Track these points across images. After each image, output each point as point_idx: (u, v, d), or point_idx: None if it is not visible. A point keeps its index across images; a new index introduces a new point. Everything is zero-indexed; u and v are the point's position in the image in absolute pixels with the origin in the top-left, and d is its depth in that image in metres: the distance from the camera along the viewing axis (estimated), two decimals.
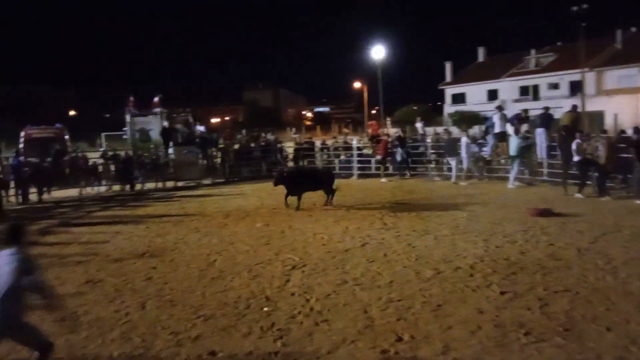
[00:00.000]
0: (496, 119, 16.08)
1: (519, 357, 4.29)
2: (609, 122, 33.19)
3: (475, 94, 54.70)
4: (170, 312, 5.63)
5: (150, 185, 18.34)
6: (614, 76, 43.66)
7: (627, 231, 8.63)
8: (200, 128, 22.16)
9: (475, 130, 28.75)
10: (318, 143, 22.77)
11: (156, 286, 6.61)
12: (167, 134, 19.88)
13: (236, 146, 21.22)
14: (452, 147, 16.18)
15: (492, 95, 53.37)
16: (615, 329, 4.75)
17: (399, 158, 17.56)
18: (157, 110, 20.87)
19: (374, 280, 6.51)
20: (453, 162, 16.12)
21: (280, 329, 5.06)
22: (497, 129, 15.98)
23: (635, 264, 6.71)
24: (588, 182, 12.65)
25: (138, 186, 17.95)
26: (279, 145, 20.45)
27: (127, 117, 20.92)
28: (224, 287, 6.45)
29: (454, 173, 16.15)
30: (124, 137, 22.49)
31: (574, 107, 15.49)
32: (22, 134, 19.03)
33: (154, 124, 20.58)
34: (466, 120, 45.61)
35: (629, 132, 16.06)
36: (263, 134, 22.19)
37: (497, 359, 4.26)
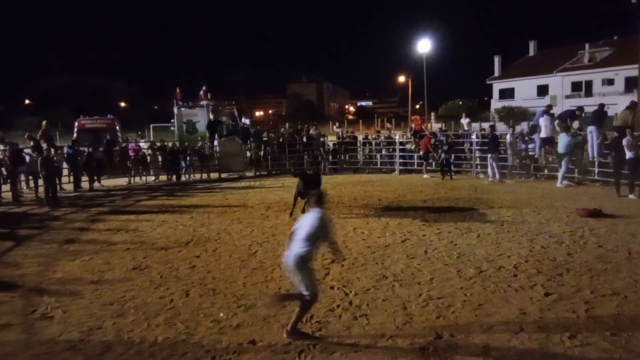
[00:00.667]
0: (543, 121, 15.29)
1: None
2: None
3: (524, 89, 53.06)
4: (213, 301, 5.79)
5: (195, 176, 18.83)
6: None
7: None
8: (245, 121, 22.55)
9: (523, 126, 27.87)
10: (360, 137, 22.68)
11: (199, 274, 6.79)
12: (212, 126, 20.31)
13: (279, 139, 21.43)
14: (493, 143, 15.74)
15: (542, 90, 51.66)
16: None
17: (442, 163, 16.98)
18: (204, 102, 21.35)
19: (413, 276, 6.47)
20: (491, 160, 15.75)
21: (319, 321, 5.11)
22: (543, 134, 15.28)
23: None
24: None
25: (184, 177, 18.47)
26: (321, 139, 20.50)
27: (175, 109, 21.51)
28: (264, 278, 6.57)
29: (490, 171, 15.81)
30: (172, 128, 23.15)
31: (633, 103, 14.68)
32: (76, 124, 19.89)
33: (200, 116, 21.09)
34: (514, 116, 44.37)
35: None
36: (306, 128, 22.28)
37: None
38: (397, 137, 20.36)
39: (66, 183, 16.24)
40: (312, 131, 21.79)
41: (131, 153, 17.94)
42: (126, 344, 4.73)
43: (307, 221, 4.77)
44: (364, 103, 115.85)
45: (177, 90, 22.01)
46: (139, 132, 25.51)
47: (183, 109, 21.62)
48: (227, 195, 14.51)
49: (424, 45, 37.15)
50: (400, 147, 19.61)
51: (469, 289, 5.95)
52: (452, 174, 16.88)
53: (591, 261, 6.89)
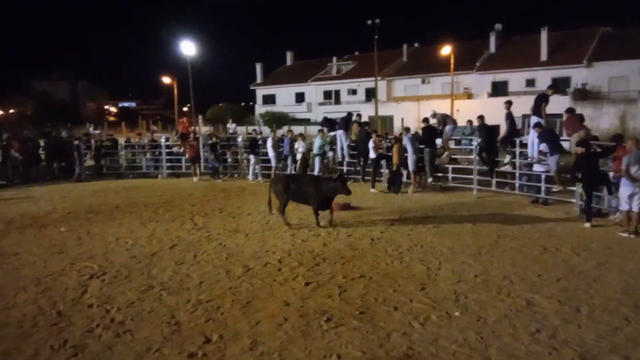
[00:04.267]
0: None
1: (321, 343, 4.57)
2: (397, 125, 37.61)
3: (284, 96, 56.97)
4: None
5: None
6: (401, 85, 49.65)
7: (411, 222, 9.87)
8: None
9: (283, 130, 29.89)
10: (122, 140, 21.23)
11: None
12: None
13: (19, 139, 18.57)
14: (252, 146, 16.81)
15: (300, 97, 56.23)
16: (401, 308, 5.37)
17: (209, 165, 17.24)
18: None
19: (182, 282, 6.31)
20: (252, 161, 16.86)
21: (74, 346, 4.57)
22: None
23: (417, 250, 7.70)
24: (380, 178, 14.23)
25: None
26: (75, 142, 18.45)
27: None
28: (4, 306, 5.58)
29: (251, 171, 16.93)
30: None
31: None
32: None
33: None
34: (276, 120, 47.25)
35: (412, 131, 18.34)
36: (56, 131, 19.84)
37: (302, 348, 4.47)
38: (162, 140, 19.66)
39: None
40: (64, 134, 19.48)
41: None
42: None
43: None
44: (126, 104, 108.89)
45: None
46: None
47: None
48: None
49: (188, 48, 36.72)
50: (167, 150, 19.00)
51: (237, 288, 6.06)
52: (221, 178, 17.19)
53: (343, 249, 7.74)
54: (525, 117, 13.94)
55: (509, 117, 13.04)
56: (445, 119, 14.62)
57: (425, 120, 14.15)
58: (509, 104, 13.13)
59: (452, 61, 37.59)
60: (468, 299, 5.61)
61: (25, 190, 15.31)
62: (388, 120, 41.85)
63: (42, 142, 19.41)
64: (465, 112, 29.04)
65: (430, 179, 13.29)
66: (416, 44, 54.24)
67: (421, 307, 5.39)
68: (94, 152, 19.35)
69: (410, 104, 43.21)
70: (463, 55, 41.64)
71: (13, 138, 17.69)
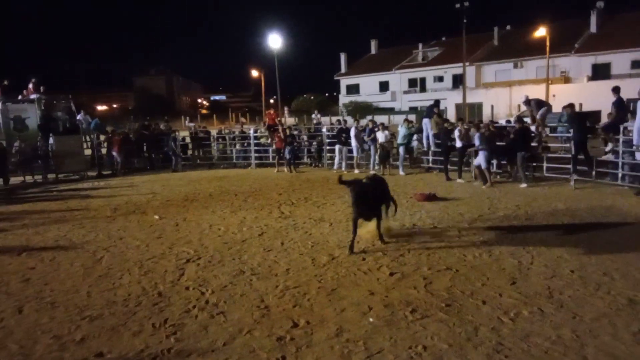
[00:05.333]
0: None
1: (406, 333, 4.55)
2: (486, 112, 36.10)
3: (368, 85, 56.69)
4: (52, 315, 5.23)
5: (28, 178, 16.85)
6: (491, 70, 47.54)
7: (501, 212, 9.49)
8: (79, 116, 20.70)
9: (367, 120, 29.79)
10: (214, 132, 22.27)
11: (35, 288, 6.09)
12: (46, 122, 18.33)
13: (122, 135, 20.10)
14: (336, 136, 16.89)
15: (384, 86, 55.67)
16: (489, 302, 5.22)
17: (287, 155, 17.27)
18: (34, 96, 19.11)
19: (270, 269, 6.55)
20: (337, 151, 16.97)
21: (173, 325, 4.91)
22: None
23: (507, 242, 7.40)
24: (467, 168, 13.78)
25: (18, 179, 16.44)
26: (172, 135, 19.67)
27: None
28: (112, 285, 6.12)
29: (336, 161, 17.09)
30: None
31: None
32: None
33: (31, 112, 18.83)
34: (360, 109, 47.18)
35: (502, 122, 17.60)
36: (155, 124, 21.26)
37: (387, 337, 4.49)
38: (251, 131, 20.38)
39: None
40: (162, 126, 20.82)
41: None
42: None
43: None
44: (217, 97, 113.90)
45: (5, 82, 19.36)
46: None
47: (9, 104, 19.10)
48: (66, 198, 13.23)
49: (275, 41, 37.66)
50: (255, 141, 19.69)
51: (322, 275, 6.19)
52: (296, 167, 17.41)
53: (428, 241, 7.62)
54: (631, 101, 12.81)
55: (619, 103, 12.04)
56: (539, 105, 13.85)
57: (520, 120, 12.72)
58: (616, 90, 12.10)
59: (547, 43, 35.41)
60: (563, 295, 5.32)
61: (128, 180, 16.58)
62: (477, 108, 40.29)
63: (142, 135, 20.81)
64: (562, 97, 27.27)
65: (524, 185, 12.19)
66: (508, 27, 51.63)
67: (511, 302, 5.20)
68: (190, 143, 20.56)
69: (500, 89, 41.31)
70: (560, 36, 39.04)
71: (115, 135, 19.20)
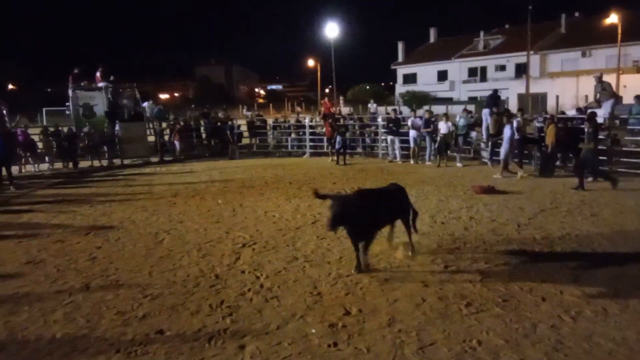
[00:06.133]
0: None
1: (460, 327, 4.47)
2: (551, 103, 34.57)
3: (426, 74, 55.56)
4: (116, 292, 5.51)
5: (95, 163, 17.76)
6: (557, 59, 45.38)
7: (564, 207, 9.09)
8: (145, 104, 21.53)
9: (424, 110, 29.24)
10: (270, 121, 22.57)
11: (101, 266, 6.44)
12: (112, 109, 19.20)
13: (183, 123, 20.78)
14: (395, 126, 16.67)
15: (442, 75, 54.40)
16: (549, 299, 5.03)
17: (337, 145, 16.72)
18: (102, 84, 20.04)
19: (324, 256, 6.59)
20: (392, 141, 16.86)
21: (229, 306, 5.06)
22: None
23: (570, 239, 7.09)
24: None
25: (86, 163, 17.36)
26: (230, 123, 20.13)
27: (70, 92, 19.99)
28: (172, 266, 6.36)
29: (391, 151, 17.00)
30: (67, 112, 21.53)
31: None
32: None
33: (99, 99, 19.79)
34: (417, 99, 46.38)
35: (569, 113, 16.82)
36: (214, 112, 21.84)
37: (440, 329, 4.43)
38: (306, 120, 20.51)
39: None
40: (220, 114, 21.32)
41: (20, 139, 16.49)
42: (20, 343, 4.39)
43: None
44: (274, 87, 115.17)
45: (76, 71, 20.39)
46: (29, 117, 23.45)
47: (79, 91, 20.15)
48: (130, 182, 13.85)
49: (332, 30, 37.55)
50: (310, 130, 19.81)
51: (375, 265, 6.16)
52: (346, 157, 16.71)
53: (485, 234, 7.42)
54: None
55: None
56: (609, 93, 13.14)
57: (592, 117, 11.49)
58: None
59: (619, 30, 33.35)
60: (630, 296, 5.04)
61: (188, 166, 17.13)
62: (540, 98, 38.64)
63: (202, 122, 21.42)
64: (634, 87, 25.64)
65: (590, 179, 11.44)
66: (576, 14, 49.04)
67: (573, 300, 4.99)
68: (247, 131, 20.98)
69: (567, 79, 39.33)
70: (632, 23, 36.63)
71: (177, 124, 19.88)
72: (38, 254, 7.02)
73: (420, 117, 16.85)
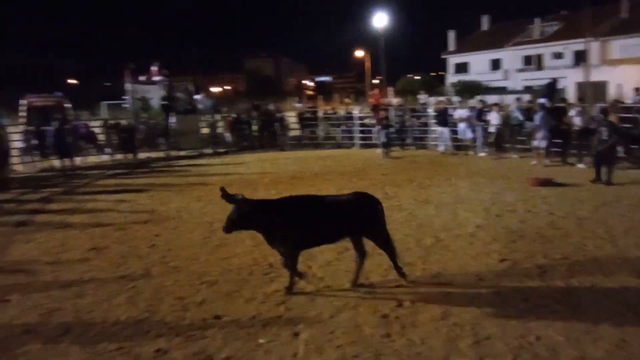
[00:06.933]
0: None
1: (517, 322, 4.37)
2: (613, 91, 32.94)
3: (478, 63, 54.01)
4: (175, 278, 5.73)
5: (152, 154, 18.43)
6: (618, 45, 43.03)
7: (627, 201, 8.68)
8: (198, 97, 22.08)
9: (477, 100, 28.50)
10: (321, 113, 22.62)
11: (160, 253, 6.70)
12: (168, 102, 19.84)
13: (233, 115, 21.18)
14: (444, 117, 16.32)
15: (496, 64, 52.75)
16: (611, 296, 4.83)
17: (382, 139, 16.22)
18: (158, 78, 20.72)
19: (375, 248, 6.56)
20: (442, 132, 16.45)
21: (282, 295, 5.15)
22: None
23: (634, 234, 6.77)
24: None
25: (145, 154, 18.07)
26: (278, 115, 20.36)
27: (128, 86, 20.79)
28: (227, 255, 6.54)
29: (441, 143, 16.57)
30: (125, 105, 22.42)
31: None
32: (24, 102, 18.94)
33: (155, 93, 20.48)
34: (469, 89, 45.21)
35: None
36: (264, 104, 22.17)
37: (495, 324, 4.35)
38: (356, 112, 20.44)
39: (18, 164, 15.63)
40: (271, 107, 21.59)
41: (82, 132, 17.34)
42: (86, 325, 4.65)
43: None
44: (323, 78, 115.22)
45: (131, 66, 21.21)
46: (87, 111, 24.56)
47: (136, 85, 20.93)
48: (186, 173, 14.28)
49: (380, 20, 37.12)
50: (360, 122, 19.74)
51: (427, 257, 6.12)
52: (389, 151, 16.21)
53: (543, 228, 7.20)
54: None
55: None
56: None
57: None
58: None
59: None
60: None
61: (239, 157, 17.48)
62: (600, 87, 36.84)
63: (252, 115, 21.74)
64: None
65: None
66: None
67: (637, 297, 4.77)
68: (298, 123, 21.18)
69: (630, 67, 37.27)
70: None
71: (229, 116, 20.34)
72: (101, 241, 7.39)
73: (472, 108, 16.45)
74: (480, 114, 15.46)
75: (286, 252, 5.14)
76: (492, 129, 15.03)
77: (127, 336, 4.40)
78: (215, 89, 77.05)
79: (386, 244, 5.39)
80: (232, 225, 5.03)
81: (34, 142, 15.81)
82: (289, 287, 5.18)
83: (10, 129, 16.16)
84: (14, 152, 15.56)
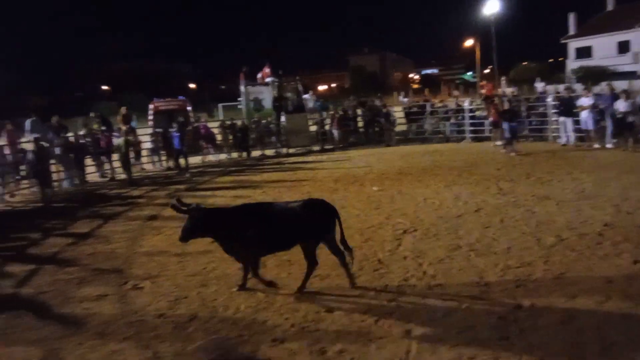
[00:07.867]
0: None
1: None
2: None
3: (603, 47, 49.27)
4: (288, 271, 5.96)
5: (265, 152, 19.30)
6: None
7: None
8: (306, 96, 22.66)
9: (602, 86, 26.05)
10: (428, 106, 22.13)
11: None
12: (278, 102, 20.62)
13: (340, 112, 21.42)
14: (567, 106, 15.02)
15: (623, 47, 47.80)
16: None
17: (507, 135, 14.83)
18: (269, 79, 21.62)
19: (489, 246, 6.33)
20: (568, 123, 15.16)
21: (393, 291, 5.15)
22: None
23: None
24: None
25: (258, 152, 19.01)
26: (384, 110, 20.22)
27: (242, 88, 21.95)
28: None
29: (562, 134, 15.39)
30: (239, 107, 23.72)
31: None
32: (151, 106, 20.79)
33: (266, 94, 21.40)
34: (592, 75, 41.51)
35: None
36: (370, 100, 22.18)
37: (623, 330, 3.98)
38: (466, 104, 19.70)
39: (147, 163, 17.26)
40: (377, 102, 21.55)
41: (202, 132, 18.60)
42: (211, 313, 5.00)
43: None
44: (429, 71, 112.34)
45: (243, 69, 22.38)
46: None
47: (250, 87, 22.03)
48: (296, 169, 14.75)
49: (492, 6, 35.32)
50: (470, 114, 18.99)
51: (549, 257, 5.74)
52: (513, 146, 14.66)
53: None
54: None
55: None
56: None
57: None
58: None
59: None
60: None
61: (346, 153, 17.67)
62: None
63: (358, 111, 21.87)
64: None
65: None
66: None
67: None
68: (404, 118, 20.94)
69: None
70: None
71: (335, 113, 20.63)
72: None
73: (597, 95, 15.06)
74: (611, 101, 14.02)
75: (242, 259, 5.44)
76: (619, 118, 13.63)
77: (246, 325, 4.67)
78: (322, 87, 78.63)
79: (336, 250, 5.33)
80: (187, 233, 5.16)
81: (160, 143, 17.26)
82: (242, 285, 5.47)
83: (139, 132, 17.85)
84: (143, 153, 17.20)
